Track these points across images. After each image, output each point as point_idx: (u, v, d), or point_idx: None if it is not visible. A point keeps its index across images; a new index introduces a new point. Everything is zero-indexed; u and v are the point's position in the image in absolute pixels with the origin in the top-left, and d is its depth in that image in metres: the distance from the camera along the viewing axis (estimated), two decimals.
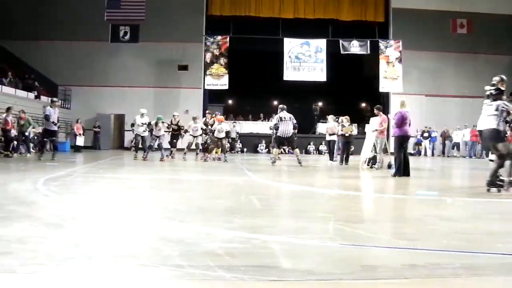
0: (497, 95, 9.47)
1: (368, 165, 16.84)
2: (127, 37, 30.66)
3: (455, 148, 31.94)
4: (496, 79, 9.87)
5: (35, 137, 23.37)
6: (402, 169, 12.42)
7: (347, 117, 19.58)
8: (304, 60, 33.48)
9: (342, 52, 33.05)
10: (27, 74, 30.56)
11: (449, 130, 32.19)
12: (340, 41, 33.04)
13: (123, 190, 8.94)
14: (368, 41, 33.30)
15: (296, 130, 17.58)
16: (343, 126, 18.98)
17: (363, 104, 41.17)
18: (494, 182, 9.08)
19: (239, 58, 33.83)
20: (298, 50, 33.61)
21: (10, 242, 4.05)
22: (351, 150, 20.76)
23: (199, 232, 4.76)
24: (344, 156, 18.84)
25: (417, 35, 33.64)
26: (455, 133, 31.71)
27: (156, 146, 19.34)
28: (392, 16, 34.71)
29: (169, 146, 20.79)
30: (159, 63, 33.62)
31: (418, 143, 33.20)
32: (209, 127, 20.01)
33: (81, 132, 27.72)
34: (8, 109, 20.13)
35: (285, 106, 17.57)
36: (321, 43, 33.59)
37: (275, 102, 19.48)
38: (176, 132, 20.69)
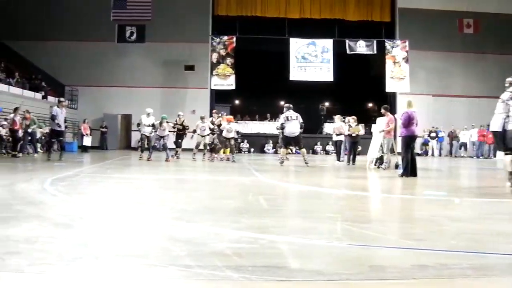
0: None
1: (375, 165, 16.81)
2: (133, 37, 30.75)
3: (462, 148, 31.81)
4: (509, 80, 9.81)
5: (43, 137, 23.45)
6: (409, 169, 12.38)
7: (354, 117, 19.55)
8: (311, 60, 33.49)
9: (348, 52, 33.06)
10: (34, 74, 30.68)
11: (456, 130, 32.05)
12: (347, 41, 33.05)
13: (131, 190, 8.95)
14: (375, 41, 33.29)
15: (302, 130, 17.36)
16: (350, 126, 18.95)
17: (370, 104, 41.15)
18: None
19: (246, 58, 33.87)
20: (305, 50, 33.61)
21: (18, 242, 4.06)
22: (358, 150, 20.72)
23: (207, 232, 4.76)
24: (351, 156, 18.81)
25: (423, 35, 33.60)
26: (462, 133, 31.57)
27: (160, 146, 19.21)
28: (399, 16, 34.69)
29: (174, 146, 20.75)
30: (165, 63, 33.69)
31: (425, 143, 33.10)
32: (215, 126, 19.93)
33: (88, 132, 27.78)
34: (16, 109, 20.17)
35: (291, 105, 17.43)
36: (328, 43, 33.59)
37: (282, 102, 19.55)
38: (181, 132, 20.62)
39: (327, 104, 40.79)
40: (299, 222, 5.72)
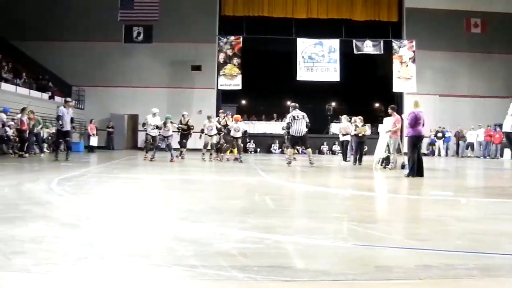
0: None
1: (381, 165, 16.79)
2: (140, 37, 30.84)
3: (469, 148, 31.72)
4: None
5: (49, 137, 23.52)
6: (416, 170, 12.36)
7: (360, 117, 19.53)
8: (318, 60, 33.47)
9: (355, 52, 33.04)
10: (41, 74, 30.78)
11: (463, 130, 31.96)
12: (354, 41, 33.03)
13: (137, 190, 8.97)
14: (382, 41, 33.26)
15: (308, 129, 17.28)
16: (356, 126, 18.93)
17: (377, 104, 41.13)
18: None
19: (252, 58, 33.88)
20: (311, 50, 33.59)
21: (24, 241, 4.08)
22: (364, 150, 20.69)
23: (212, 232, 4.76)
24: (358, 156, 18.78)
25: (430, 35, 33.57)
26: (469, 133, 31.46)
27: (164, 146, 19.02)
28: (406, 16, 34.63)
29: (178, 146, 20.72)
30: (172, 63, 33.73)
31: (432, 143, 33.01)
32: (222, 126, 19.84)
33: (95, 132, 27.84)
34: (23, 110, 20.22)
35: (297, 105, 17.33)
36: (335, 43, 33.56)
37: (288, 102, 19.60)
38: (186, 132, 20.48)
39: (333, 104, 40.79)
40: (305, 222, 5.72)
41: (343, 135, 19.87)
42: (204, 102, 32.85)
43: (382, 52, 33.29)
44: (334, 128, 33.08)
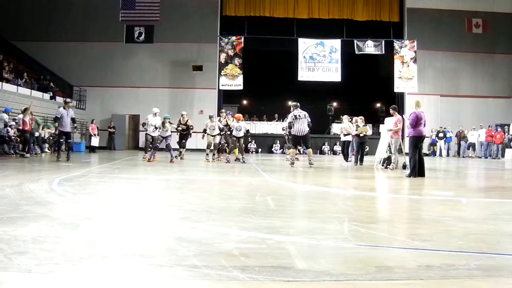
0: None
1: (383, 165, 16.79)
2: (142, 37, 30.82)
3: (470, 148, 31.70)
4: None
5: (51, 137, 23.54)
6: (417, 170, 12.38)
7: (361, 117, 19.54)
8: (319, 61, 33.44)
9: (356, 52, 33.00)
10: (42, 75, 30.78)
11: (464, 131, 31.96)
12: (355, 41, 32.99)
13: (138, 190, 8.96)
14: (383, 41, 33.21)
15: (309, 128, 17.02)
16: (357, 126, 18.92)
17: (378, 104, 41.06)
18: None
19: (254, 58, 33.96)
20: (313, 50, 33.57)
21: (26, 242, 4.08)
22: (366, 150, 20.67)
23: (214, 232, 4.77)
24: (359, 156, 18.77)
25: (432, 35, 33.63)
26: (470, 134, 31.44)
27: (164, 146, 18.81)
28: (407, 16, 34.62)
29: (177, 147, 20.62)
30: (174, 63, 33.72)
31: (433, 144, 33.02)
32: (223, 126, 19.69)
33: (96, 132, 27.89)
34: (25, 110, 20.23)
35: (298, 104, 17.08)
36: (336, 43, 33.53)
37: (290, 102, 19.53)
38: (185, 132, 20.33)
39: (335, 104, 40.80)
40: (306, 222, 5.73)
41: (345, 135, 19.84)
42: (205, 102, 32.89)
43: (383, 52, 33.24)
44: (336, 128, 33.13)
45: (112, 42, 32.06)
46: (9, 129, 20.37)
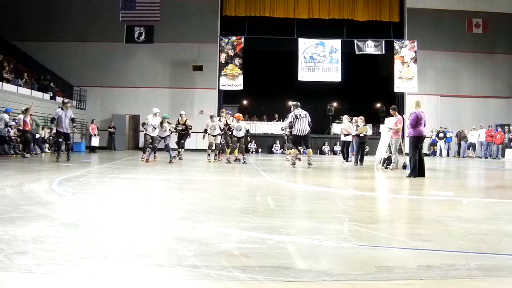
0: None
1: (383, 165, 16.79)
2: (142, 38, 30.80)
3: (470, 148, 31.69)
4: None
5: (51, 138, 23.55)
6: (417, 170, 12.38)
7: (362, 117, 19.53)
8: (319, 61, 33.43)
9: (357, 52, 32.97)
10: (42, 75, 30.78)
11: (464, 131, 31.96)
12: (355, 41, 32.97)
13: (138, 191, 8.97)
14: (383, 41, 33.20)
15: (310, 128, 16.82)
16: (357, 126, 18.91)
17: (378, 105, 41.09)
18: None
19: (254, 58, 33.99)
20: (313, 50, 33.56)
21: (26, 242, 4.08)
22: (366, 150, 20.65)
23: (214, 232, 4.77)
24: (359, 156, 18.76)
25: (432, 35, 33.65)
26: (470, 134, 31.44)
27: (162, 147, 18.67)
28: (407, 16, 34.62)
29: (176, 147, 20.44)
30: (174, 63, 33.72)
31: (433, 144, 33.02)
32: (224, 126, 19.55)
33: (96, 132, 27.90)
34: (26, 110, 20.22)
35: (299, 103, 16.87)
36: (336, 43, 33.52)
37: (290, 102, 19.40)
38: (184, 132, 20.10)
39: (335, 104, 40.82)
40: (306, 222, 5.73)
41: (345, 135, 19.82)
42: (205, 103, 32.90)
43: (383, 52, 33.22)
44: (336, 128, 33.13)
45: (112, 42, 32.07)
46: (10, 129, 20.38)
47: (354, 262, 3.67)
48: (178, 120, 20.12)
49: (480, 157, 30.21)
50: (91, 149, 27.13)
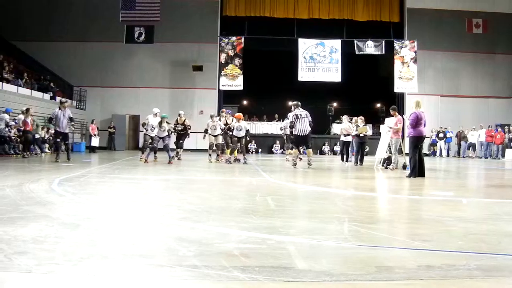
0: None
1: (383, 165, 16.78)
2: (142, 38, 30.80)
3: (470, 148, 31.69)
4: None
5: (51, 138, 23.56)
6: (417, 170, 12.38)
7: (361, 117, 19.52)
8: (319, 61, 33.42)
9: (357, 52, 32.95)
10: (42, 75, 30.77)
11: (464, 131, 31.95)
12: (355, 41, 32.96)
13: (138, 191, 8.97)
14: (383, 41, 33.18)
15: (311, 128, 16.67)
16: (357, 126, 18.90)
17: (378, 105, 41.11)
18: None
19: (254, 58, 33.98)
20: (313, 50, 33.55)
21: (26, 242, 4.08)
22: (366, 150, 20.64)
23: (214, 232, 4.77)
24: (359, 156, 18.75)
25: (432, 35, 33.66)
26: (470, 134, 31.43)
27: (162, 147, 18.48)
28: (407, 16, 34.61)
29: (175, 147, 20.19)
30: (174, 63, 33.71)
31: (433, 144, 33.00)
32: (224, 126, 19.41)
33: (96, 132, 27.89)
34: (27, 110, 20.21)
35: (299, 103, 16.72)
36: (336, 43, 33.50)
37: (290, 103, 19.23)
38: (182, 132, 19.92)
39: (335, 104, 40.77)
40: (306, 222, 5.73)
41: (344, 135, 19.79)
42: (205, 103, 32.90)
43: (383, 52, 33.20)
44: (336, 128, 33.11)
45: (112, 42, 32.05)
46: (10, 129, 20.38)
47: (354, 262, 3.67)
48: (177, 120, 19.98)
49: (480, 157, 30.21)
50: (91, 149, 27.13)
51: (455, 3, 34.01)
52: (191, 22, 32.81)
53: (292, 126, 16.54)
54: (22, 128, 20.03)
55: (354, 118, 19.81)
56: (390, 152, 16.36)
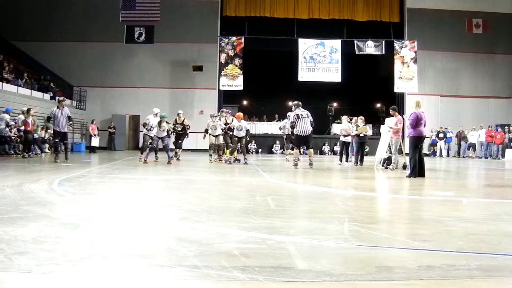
0: None
1: (383, 165, 16.78)
2: (142, 38, 30.78)
3: (470, 148, 31.69)
4: None
5: (51, 138, 23.55)
6: (417, 170, 12.37)
7: (361, 117, 19.52)
8: (319, 61, 33.40)
9: (357, 52, 32.93)
10: (42, 75, 30.76)
11: (464, 131, 31.95)
12: (355, 41, 32.93)
13: (138, 191, 8.97)
14: (383, 41, 33.17)
15: (312, 128, 16.50)
16: (357, 126, 18.90)
17: (378, 105, 41.13)
18: None
19: (254, 58, 33.96)
20: (313, 50, 33.53)
21: (26, 242, 4.08)
22: (366, 150, 20.63)
23: (214, 232, 4.77)
24: (359, 156, 18.74)
25: (432, 35, 33.64)
26: (470, 134, 31.44)
27: (161, 147, 18.38)
28: (407, 16, 34.60)
29: (173, 147, 20.02)
30: (174, 63, 33.69)
31: (433, 144, 32.99)
32: (225, 126, 19.30)
33: (96, 133, 27.88)
34: (28, 111, 20.19)
35: (300, 103, 16.59)
36: (336, 43, 33.48)
37: (290, 103, 19.18)
38: (181, 131, 19.78)
39: (335, 104, 40.76)
40: (306, 222, 5.73)
41: (344, 136, 19.76)
42: (205, 103, 32.88)
43: (383, 52, 33.18)
44: (336, 128, 33.08)
45: (112, 42, 32.03)
46: (11, 129, 20.37)
47: (354, 262, 3.67)
48: (176, 119, 19.87)
49: (480, 157, 30.20)
50: (91, 149, 27.11)
51: (455, 3, 34.00)
52: (191, 22, 32.80)
53: (293, 126, 16.40)
54: (22, 128, 20.02)
55: (354, 118, 19.81)
56: (390, 152, 16.35)
